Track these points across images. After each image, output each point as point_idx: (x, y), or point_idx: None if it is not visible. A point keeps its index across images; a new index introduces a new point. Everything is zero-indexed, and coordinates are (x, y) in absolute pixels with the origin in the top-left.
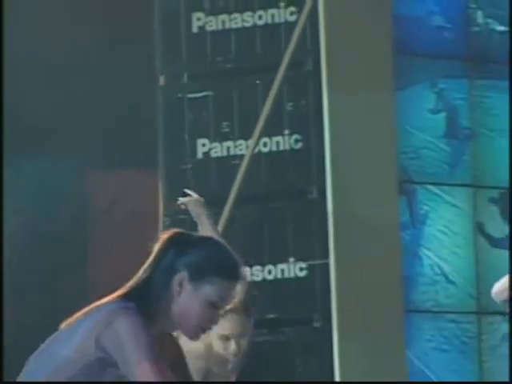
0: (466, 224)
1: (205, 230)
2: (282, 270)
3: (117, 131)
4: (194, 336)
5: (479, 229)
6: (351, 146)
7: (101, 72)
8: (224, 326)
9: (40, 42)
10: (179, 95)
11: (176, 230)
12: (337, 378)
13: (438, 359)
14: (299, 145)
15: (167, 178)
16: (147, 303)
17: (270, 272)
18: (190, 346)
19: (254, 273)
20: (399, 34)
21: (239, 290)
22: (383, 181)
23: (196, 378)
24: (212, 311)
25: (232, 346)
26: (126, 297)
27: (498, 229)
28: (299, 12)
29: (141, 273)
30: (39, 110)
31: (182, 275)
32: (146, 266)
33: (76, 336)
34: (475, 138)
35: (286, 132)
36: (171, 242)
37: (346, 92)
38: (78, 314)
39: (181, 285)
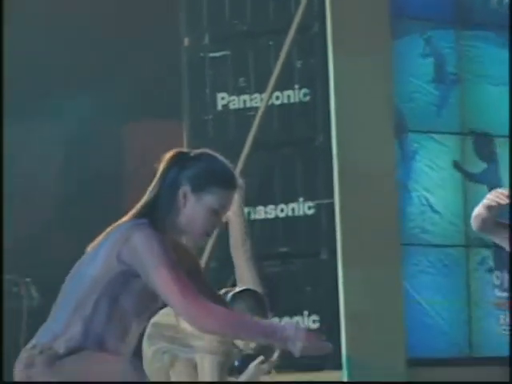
0: (451, 160)
1: None
2: (293, 209)
3: (147, 87)
4: (199, 240)
5: (456, 165)
6: (353, 99)
7: (133, 36)
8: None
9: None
10: (201, 55)
11: (176, 149)
12: (341, 305)
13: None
14: (307, 98)
15: (191, 128)
16: (157, 217)
17: (282, 210)
18: None
19: (267, 211)
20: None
21: (237, 197)
22: (381, 128)
23: None
24: (214, 217)
25: None
26: (138, 215)
27: (475, 165)
28: None
29: (148, 192)
30: (81, 65)
31: (185, 188)
32: (152, 185)
33: (99, 256)
34: (461, 83)
35: (296, 87)
36: (173, 161)
37: (348, 51)
38: (99, 237)
39: (185, 197)
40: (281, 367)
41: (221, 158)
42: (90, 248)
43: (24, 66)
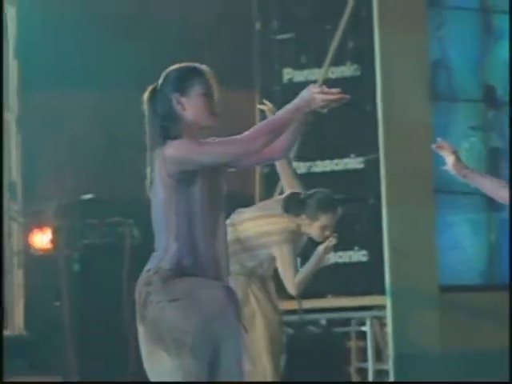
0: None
1: None
2: (346, 163)
3: (225, 63)
4: (212, 121)
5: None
6: (395, 73)
7: (216, 21)
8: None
9: None
10: (270, 37)
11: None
12: (385, 241)
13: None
14: (358, 72)
15: (261, 97)
16: (175, 132)
17: (336, 164)
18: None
19: (325, 165)
20: None
21: (212, 79)
22: (418, 95)
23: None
24: (208, 99)
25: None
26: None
27: None
28: None
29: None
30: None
31: (175, 95)
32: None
33: (156, 183)
34: None
35: (348, 63)
36: (150, 95)
37: (391, 32)
38: None
39: (179, 102)
40: (322, 294)
41: (185, 65)
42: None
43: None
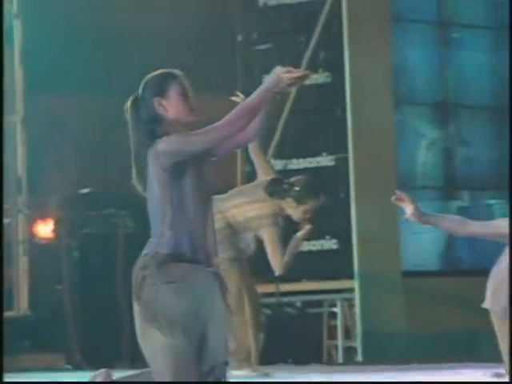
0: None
1: None
2: (318, 161)
3: (212, 70)
4: (192, 117)
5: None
6: (362, 80)
7: (203, 34)
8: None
9: None
10: (251, 47)
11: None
12: (353, 231)
13: None
14: (329, 79)
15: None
16: (162, 130)
17: (310, 162)
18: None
19: (299, 163)
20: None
21: (185, 80)
22: (382, 101)
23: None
24: (186, 98)
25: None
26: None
27: None
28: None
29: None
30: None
31: (156, 99)
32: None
33: (151, 177)
34: None
35: (320, 71)
36: (132, 104)
37: (359, 45)
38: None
39: (160, 104)
40: (297, 278)
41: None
42: None
43: None
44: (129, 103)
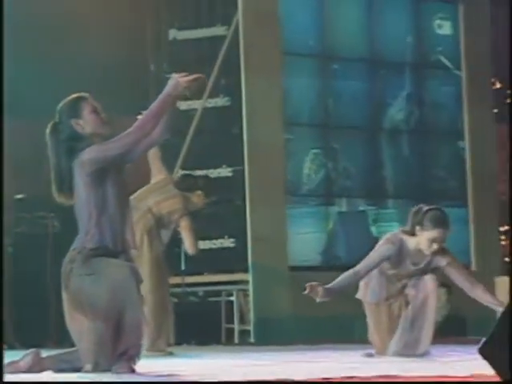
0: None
1: None
2: (219, 172)
3: (127, 95)
4: (108, 127)
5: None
6: (256, 104)
7: (120, 65)
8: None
9: None
10: (162, 75)
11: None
12: (248, 232)
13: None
14: (229, 103)
15: None
16: (81, 144)
17: (212, 173)
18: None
19: (201, 173)
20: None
21: (92, 100)
22: (274, 122)
23: None
24: (97, 114)
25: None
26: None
27: None
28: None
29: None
30: None
31: (73, 120)
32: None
33: (77, 182)
34: None
35: (221, 96)
36: (52, 128)
37: (254, 74)
38: None
39: (77, 124)
40: (199, 271)
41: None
42: None
43: None
44: (48, 129)
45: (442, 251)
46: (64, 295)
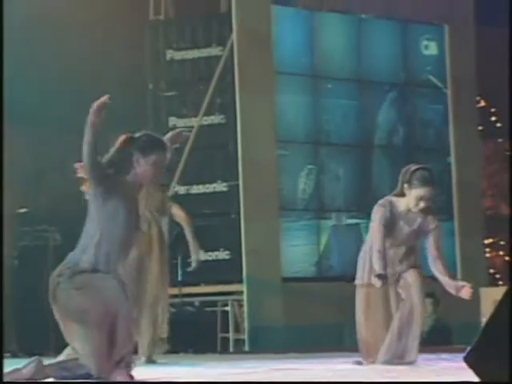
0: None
1: None
2: (214, 187)
3: (127, 114)
4: (153, 181)
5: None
6: (251, 122)
7: (120, 85)
8: None
9: None
10: (159, 94)
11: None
12: (243, 244)
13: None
14: (224, 120)
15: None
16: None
17: (208, 188)
18: None
19: (199, 188)
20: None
21: (168, 156)
22: (267, 139)
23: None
24: (157, 168)
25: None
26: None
27: None
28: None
29: (110, 156)
30: None
31: (136, 154)
32: (111, 154)
33: (91, 201)
34: None
35: (217, 113)
36: (124, 141)
37: (248, 93)
38: None
39: (137, 160)
40: (196, 282)
41: (156, 135)
42: None
43: None
44: (126, 138)
45: (431, 213)
46: (53, 307)
